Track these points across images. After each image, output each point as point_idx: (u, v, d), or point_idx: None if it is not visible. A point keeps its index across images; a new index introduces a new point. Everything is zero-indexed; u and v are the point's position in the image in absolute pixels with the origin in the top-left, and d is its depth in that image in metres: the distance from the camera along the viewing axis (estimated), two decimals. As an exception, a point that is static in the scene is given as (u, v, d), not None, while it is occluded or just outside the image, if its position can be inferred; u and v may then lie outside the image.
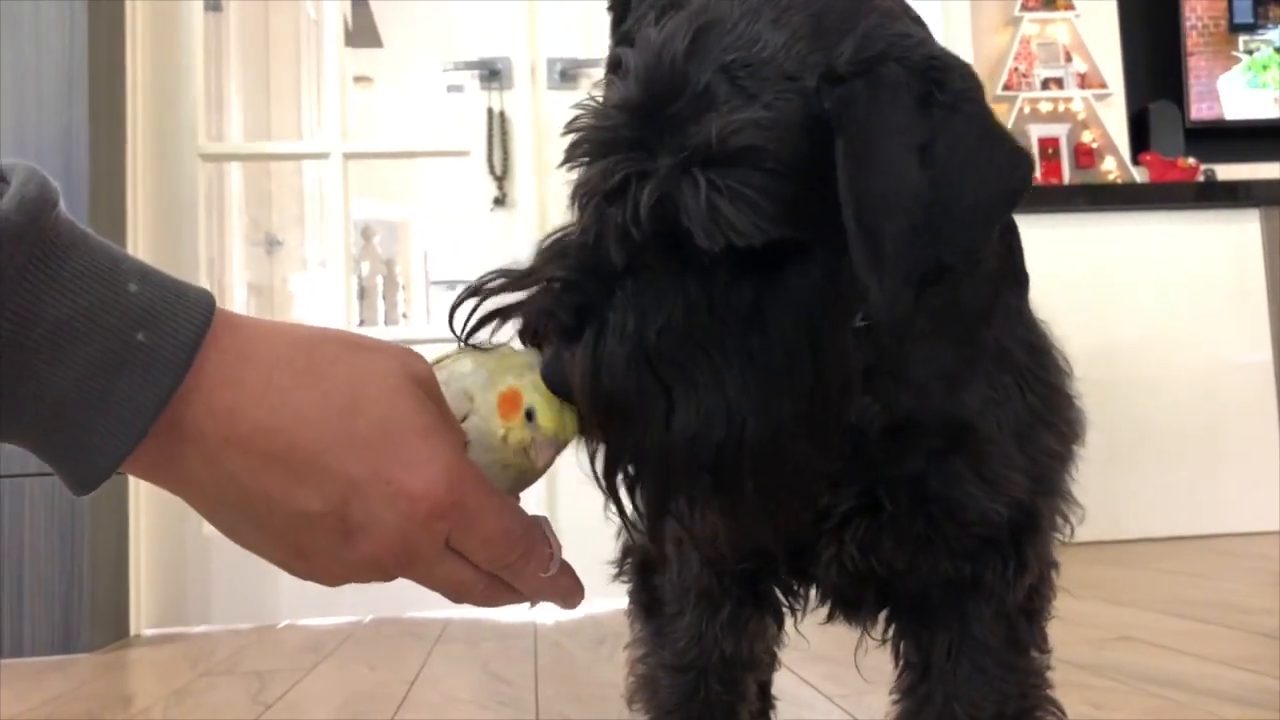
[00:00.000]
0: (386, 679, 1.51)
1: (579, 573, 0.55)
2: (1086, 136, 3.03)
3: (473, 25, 2.40)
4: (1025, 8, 3.03)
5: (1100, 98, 3.05)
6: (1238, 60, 3.15)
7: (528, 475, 0.54)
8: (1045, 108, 3.05)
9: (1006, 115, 2.96)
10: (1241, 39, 3.15)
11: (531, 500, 0.57)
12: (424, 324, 5.53)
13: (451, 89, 3.16)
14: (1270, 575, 2.12)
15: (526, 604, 0.55)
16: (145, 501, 2.13)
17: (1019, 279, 0.66)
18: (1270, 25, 3.16)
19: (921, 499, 0.62)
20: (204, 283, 2.29)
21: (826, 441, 0.55)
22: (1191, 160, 3.01)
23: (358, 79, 5.39)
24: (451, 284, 6.03)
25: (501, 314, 0.54)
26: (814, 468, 0.55)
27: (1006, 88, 3.01)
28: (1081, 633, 1.55)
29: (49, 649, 1.85)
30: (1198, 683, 1.25)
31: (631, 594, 0.82)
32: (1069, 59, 3.07)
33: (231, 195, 3.27)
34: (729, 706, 0.77)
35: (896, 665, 0.72)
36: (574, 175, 0.55)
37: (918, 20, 0.57)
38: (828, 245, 0.51)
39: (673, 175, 0.50)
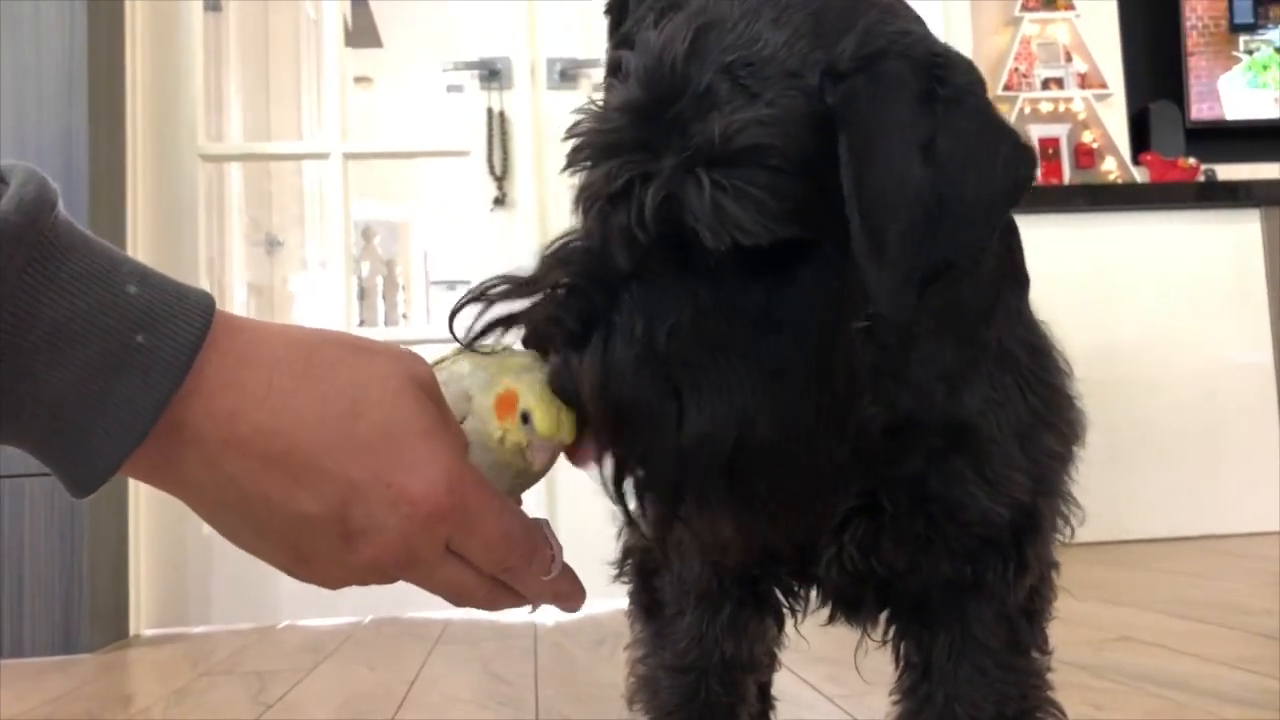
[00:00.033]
0: (386, 679, 1.51)
1: (579, 573, 0.55)
2: (1087, 136, 3.03)
3: (473, 25, 2.40)
4: (1025, 8, 3.03)
5: (1100, 98, 3.05)
6: (1238, 60, 3.15)
7: (527, 477, 0.54)
8: (1045, 108, 3.05)
9: (1007, 115, 2.95)
10: (1242, 39, 3.15)
11: (532, 502, 0.57)
12: (424, 324, 5.53)
13: (451, 89, 3.16)
14: (1271, 576, 2.12)
15: (528, 607, 0.55)
16: (145, 502, 2.13)
17: (1019, 279, 0.66)
18: (1270, 25, 3.16)
19: (922, 499, 0.62)
20: (204, 283, 2.29)
21: (838, 442, 0.55)
22: (1192, 160, 3.00)
23: (358, 79, 5.39)
24: (451, 284, 6.04)
25: (506, 322, 0.54)
26: (825, 468, 0.55)
27: (1007, 88, 3.01)
28: (1082, 633, 1.55)
29: (49, 649, 1.85)
30: (1198, 683, 1.25)
31: (632, 595, 0.82)
32: (1069, 59, 3.07)
33: (231, 195, 3.27)
34: (729, 708, 0.77)
35: (897, 666, 0.72)
36: (577, 180, 0.55)
37: (916, 18, 0.57)
38: (834, 244, 0.51)
39: (677, 175, 0.50)
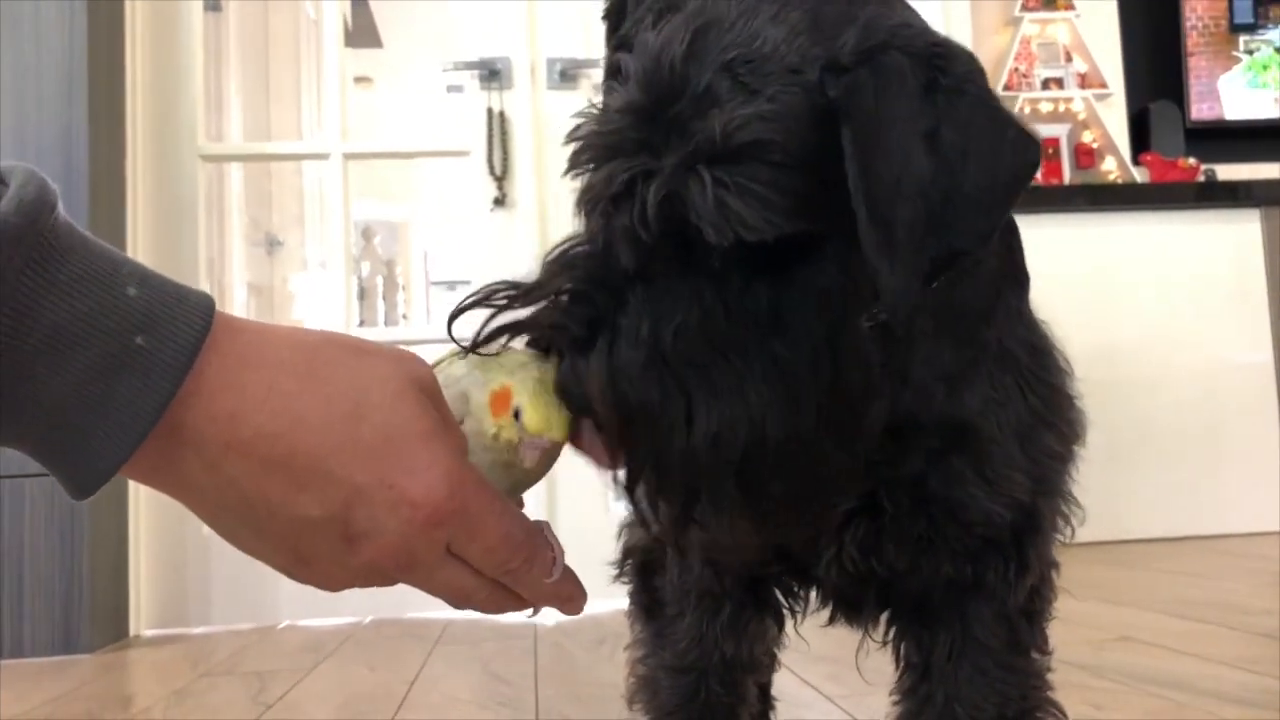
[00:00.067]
0: (386, 679, 1.51)
1: (579, 574, 0.55)
2: (1087, 136, 3.03)
3: (473, 25, 2.40)
4: (1025, 8, 3.03)
5: (1100, 98, 3.05)
6: (1238, 60, 3.15)
7: (528, 476, 0.54)
8: (1045, 108, 3.04)
9: (1007, 115, 2.95)
10: (1242, 39, 3.15)
11: (532, 503, 0.57)
12: (424, 325, 5.53)
13: (451, 89, 3.16)
14: (1271, 575, 2.12)
15: (529, 610, 0.54)
16: (145, 502, 2.13)
17: (1019, 279, 0.66)
18: (1270, 25, 3.16)
19: (922, 499, 0.62)
20: (204, 283, 2.29)
21: (850, 441, 0.54)
22: (1192, 160, 3.00)
23: (358, 79, 5.39)
24: (451, 284, 6.04)
25: (511, 329, 0.54)
26: (839, 468, 0.55)
27: (1007, 88, 3.01)
28: (1082, 633, 1.55)
29: (49, 649, 1.85)
30: (1198, 683, 1.25)
31: (632, 595, 0.82)
32: (1069, 59, 3.07)
33: (231, 195, 3.27)
34: (729, 708, 0.77)
35: (897, 666, 0.72)
36: (579, 183, 0.55)
37: (912, 12, 0.57)
38: (839, 239, 0.51)
39: (678, 173, 0.50)
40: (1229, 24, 3.14)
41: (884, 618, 0.71)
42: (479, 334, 0.54)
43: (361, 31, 5.03)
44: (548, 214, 2.33)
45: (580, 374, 0.51)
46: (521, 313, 0.54)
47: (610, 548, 0.81)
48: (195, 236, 2.24)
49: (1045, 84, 3.05)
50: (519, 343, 0.54)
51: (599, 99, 0.56)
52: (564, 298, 0.53)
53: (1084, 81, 3.06)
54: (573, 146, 0.55)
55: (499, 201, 2.33)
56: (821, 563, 0.65)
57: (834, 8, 0.53)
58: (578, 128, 0.55)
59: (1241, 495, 2.75)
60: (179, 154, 2.24)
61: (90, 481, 0.45)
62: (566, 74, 2.38)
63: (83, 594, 1.88)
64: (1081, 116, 3.05)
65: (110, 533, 2.00)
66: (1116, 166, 3.00)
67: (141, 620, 2.11)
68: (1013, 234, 0.66)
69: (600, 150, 0.53)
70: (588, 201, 0.54)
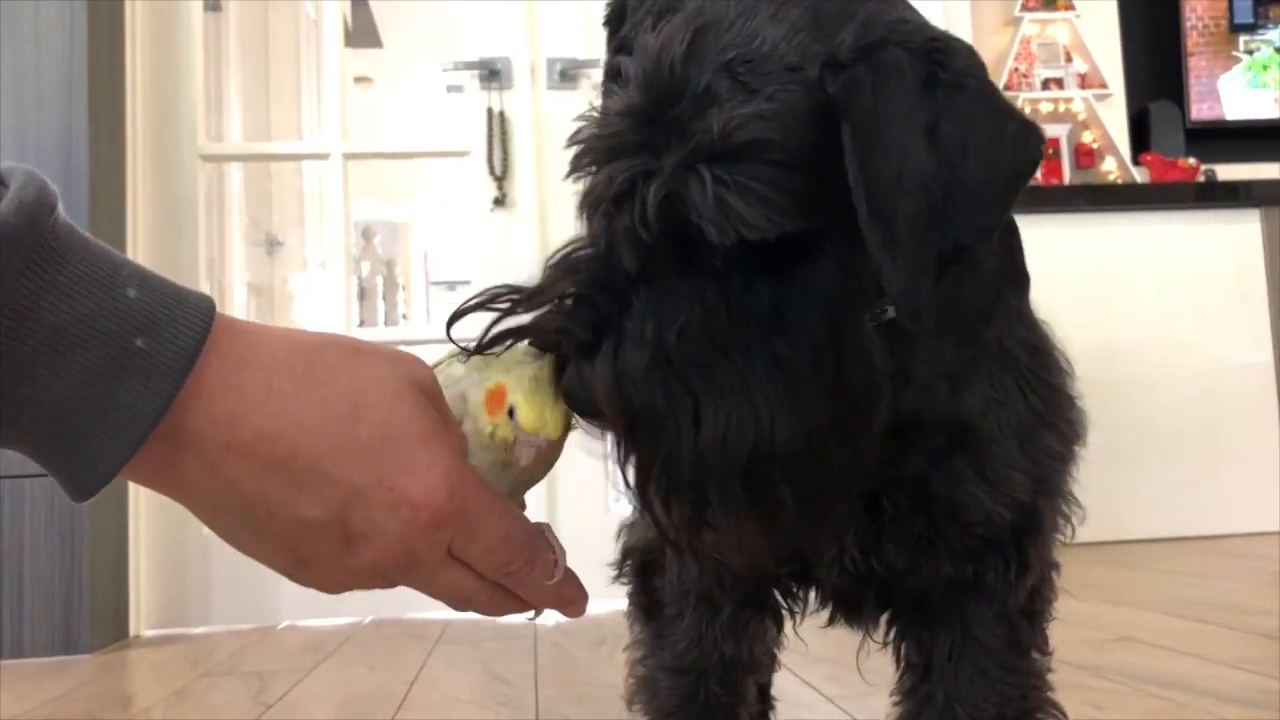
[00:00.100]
0: (386, 679, 1.51)
1: (579, 574, 0.55)
2: (1087, 137, 3.03)
3: (473, 25, 2.40)
4: (1025, 8, 3.03)
5: (1100, 98, 3.05)
6: (1238, 60, 3.15)
7: (528, 476, 0.54)
8: (1045, 108, 3.04)
9: (1007, 115, 2.95)
10: (1242, 39, 3.15)
11: (532, 504, 0.57)
12: (424, 325, 5.53)
13: (451, 89, 3.16)
14: (1271, 576, 2.12)
15: (530, 613, 0.54)
16: (145, 503, 2.12)
17: (1020, 279, 0.66)
18: (1270, 25, 3.16)
19: (922, 499, 0.62)
20: (204, 283, 2.29)
21: (855, 440, 0.54)
22: (1192, 160, 3.00)
23: (358, 79, 5.39)
24: (451, 285, 6.04)
25: (515, 334, 0.54)
26: (848, 469, 0.54)
27: (1007, 88, 3.01)
28: (1082, 633, 1.55)
29: (49, 650, 1.85)
30: (1198, 683, 1.25)
31: (631, 596, 0.81)
32: (1069, 59, 3.07)
33: (231, 195, 3.27)
34: (729, 709, 0.77)
35: (897, 667, 0.72)
36: (580, 186, 0.55)
37: (911, 8, 0.57)
38: (841, 237, 0.51)
39: (678, 173, 0.50)
40: (1229, 24, 3.14)
41: (884, 618, 0.71)
42: (483, 338, 0.54)
43: (361, 31, 5.03)
44: (548, 214, 2.33)
45: (586, 378, 0.51)
46: (525, 317, 0.53)
47: (610, 548, 0.81)
48: (195, 237, 2.24)
49: (1045, 84, 3.05)
50: (522, 347, 0.54)
51: (599, 100, 0.56)
52: (568, 301, 0.52)
53: (1084, 81, 3.06)
54: (574, 150, 0.54)
55: (499, 202, 2.33)
56: (822, 563, 0.65)
57: (833, 5, 0.53)
58: (578, 131, 0.55)
59: (1241, 495, 2.75)
60: (179, 154, 2.24)
61: (90, 483, 0.45)
62: (566, 74, 2.38)
63: (83, 594, 1.88)
64: (1081, 117, 3.05)
65: (110, 533, 2.00)
66: (1116, 167, 3.00)
67: (141, 620, 2.11)
68: (1013, 234, 0.66)
69: (601, 153, 0.53)
70: (589, 204, 0.54)
